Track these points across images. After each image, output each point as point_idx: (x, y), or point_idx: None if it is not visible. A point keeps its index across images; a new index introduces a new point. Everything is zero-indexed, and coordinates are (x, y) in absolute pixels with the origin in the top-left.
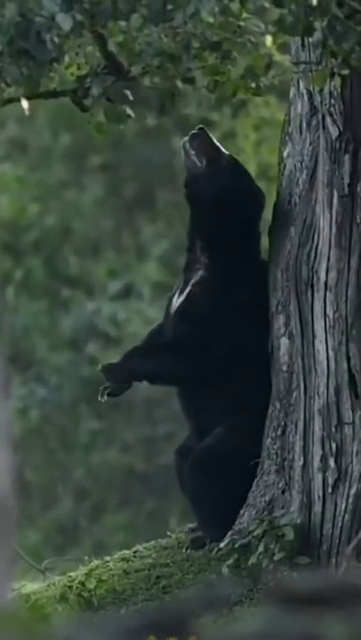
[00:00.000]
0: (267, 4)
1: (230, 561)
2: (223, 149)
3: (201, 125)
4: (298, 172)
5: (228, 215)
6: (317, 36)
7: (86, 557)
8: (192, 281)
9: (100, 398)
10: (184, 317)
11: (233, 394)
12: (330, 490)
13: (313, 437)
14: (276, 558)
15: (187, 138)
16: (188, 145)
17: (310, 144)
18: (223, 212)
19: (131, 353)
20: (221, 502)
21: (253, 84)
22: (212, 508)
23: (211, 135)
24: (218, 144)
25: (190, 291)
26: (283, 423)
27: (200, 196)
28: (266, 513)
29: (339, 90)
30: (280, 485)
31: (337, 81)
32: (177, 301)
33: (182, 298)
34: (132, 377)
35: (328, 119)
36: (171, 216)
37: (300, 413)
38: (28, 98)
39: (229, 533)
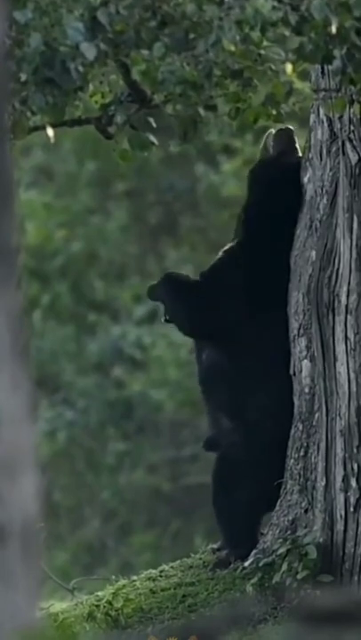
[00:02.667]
0: (287, 33)
1: (254, 579)
2: (293, 153)
3: (291, 128)
4: (318, 197)
5: (259, 205)
6: (337, 63)
7: (113, 577)
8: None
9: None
10: (204, 275)
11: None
12: (352, 509)
13: (335, 458)
14: (299, 576)
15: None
16: (273, 134)
17: (330, 170)
18: (257, 201)
19: (174, 282)
20: (237, 516)
21: (274, 111)
22: (228, 522)
23: (292, 137)
24: (293, 145)
25: (219, 257)
26: (305, 444)
27: (249, 177)
28: (289, 532)
29: (358, 116)
30: (303, 505)
31: (356, 108)
32: None
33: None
34: (160, 301)
35: (348, 145)
36: (194, 241)
37: (322, 434)
38: (54, 126)
39: (253, 552)
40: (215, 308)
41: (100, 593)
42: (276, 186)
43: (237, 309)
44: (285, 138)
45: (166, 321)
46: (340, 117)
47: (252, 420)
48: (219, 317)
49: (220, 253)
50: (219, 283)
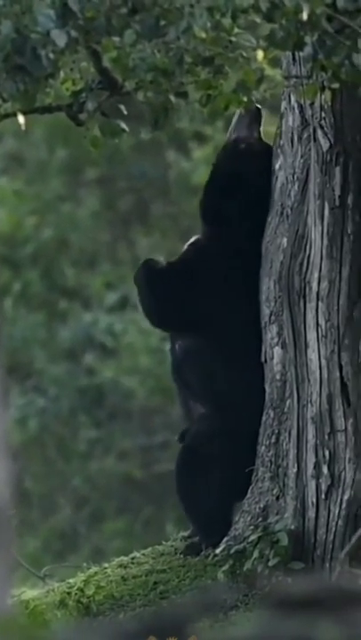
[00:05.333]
0: (258, 19)
1: (226, 567)
2: (258, 137)
3: (260, 107)
4: (290, 184)
5: (220, 193)
6: (308, 50)
7: (85, 564)
8: (188, 242)
9: None
10: (171, 266)
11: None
12: (323, 496)
13: (306, 445)
14: (270, 564)
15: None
16: (239, 115)
17: (302, 156)
18: (217, 188)
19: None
20: (209, 504)
21: (245, 98)
22: (200, 511)
23: (259, 118)
24: (257, 129)
25: (185, 249)
26: (277, 431)
27: (214, 164)
28: (260, 519)
29: (329, 103)
30: (274, 492)
31: (327, 94)
32: None
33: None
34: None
35: (319, 132)
36: (165, 228)
37: (294, 421)
38: (24, 113)
39: (225, 540)
40: (183, 300)
41: (71, 580)
42: (230, 172)
43: (207, 300)
44: (246, 119)
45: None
46: (312, 104)
47: (224, 406)
48: (187, 309)
49: (186, 246)
50: (188, 274)
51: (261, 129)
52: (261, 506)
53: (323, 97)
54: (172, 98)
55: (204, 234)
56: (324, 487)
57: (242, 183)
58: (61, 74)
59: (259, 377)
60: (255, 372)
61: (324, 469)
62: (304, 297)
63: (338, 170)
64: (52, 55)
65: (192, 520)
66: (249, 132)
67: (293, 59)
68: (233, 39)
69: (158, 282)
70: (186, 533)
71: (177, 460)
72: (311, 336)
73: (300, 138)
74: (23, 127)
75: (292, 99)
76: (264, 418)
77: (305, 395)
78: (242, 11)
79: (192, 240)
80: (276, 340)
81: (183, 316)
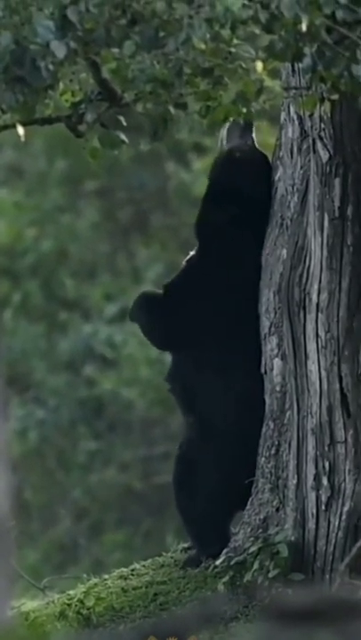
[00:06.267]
0: (257, 31)
1: (226, 578)
2: (252, 145)
3: (250, 121)
4: (289, 195)
5: (211, 205)
6: (307, 61)
7: (85, 575)
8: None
9: None
10: (168, 286)
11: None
12: (323, 507)
13: (306, 456)
14: (270, 575)
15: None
16: (229, 125)
17: (301, 168)
18: (209, 201)
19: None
20: (202, 514)
21: (245, 109)
22: (193, 521)
23: (250, 126)
24: (250, 137)
25: (181, 268)
26: (277, 442)
27: (209, 177)
28: (261, 531)
29: (329, 114)
30: (274, 503)
31: (327, 106)
32: None
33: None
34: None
35: (318, 143)
36: (165, 240)
37: (294, 433)
38: (24, 124)
39: (225, 551)
40: (182, 321)
41: (71, 592)
42: (228, 182)
43: (204, 316)
44: (238, 129)
45: (132, 320)
46: (311, 115)
47: (205, 415)
48: (186, 329)
49: (184, 263)
50: (184, 292)
51: (254, 136)
52: (261, 517)
53: (322, 108)
54: (172, 109)
55: (198, 250)
56: (324, 498)
57: (239, 192)
58: (61, 85)
59: (254, 388)
60: (249, 383)
61: (324, 481)
62: (304, 308)
63: (337, 181)
64: (51, 66)
65: (187, 530)
66: (242, 141)
67: (293, 70)
68: (232, 50)
69: (155, 305)
70: (186, 545)
71: (173, 471)
72: (311, 347)
73: (299, 149)
74: (22, 138)
75: (292, 110)
76: (264, 429)
77: (305, 406)
78: (241, 22)
79: (188, 257)
80: (275, 351)
81: (184, 334)
